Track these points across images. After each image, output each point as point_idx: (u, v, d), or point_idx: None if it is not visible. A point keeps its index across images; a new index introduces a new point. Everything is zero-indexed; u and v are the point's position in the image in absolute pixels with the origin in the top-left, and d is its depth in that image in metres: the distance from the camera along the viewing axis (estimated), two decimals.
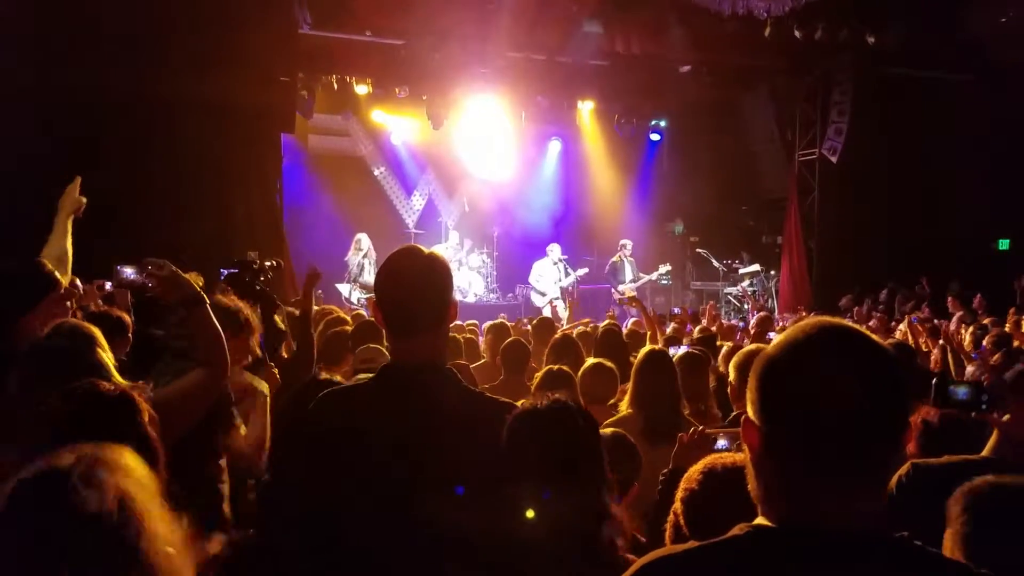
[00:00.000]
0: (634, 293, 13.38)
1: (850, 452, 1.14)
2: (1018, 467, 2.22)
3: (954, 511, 1.66)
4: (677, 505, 2.00)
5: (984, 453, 2.37)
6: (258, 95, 9.04)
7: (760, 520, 1.20)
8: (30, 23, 7.97)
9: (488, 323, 6.78)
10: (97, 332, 2.49)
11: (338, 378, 2.71)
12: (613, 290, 13.41)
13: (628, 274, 13.40)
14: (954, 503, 1.67)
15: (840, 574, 1.13)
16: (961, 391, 2.39)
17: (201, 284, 3.76)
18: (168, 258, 2.58)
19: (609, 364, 4.07)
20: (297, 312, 4.78)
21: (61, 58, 8.03)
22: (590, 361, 4.16)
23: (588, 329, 6.94)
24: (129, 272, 4.00)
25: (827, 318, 1.25)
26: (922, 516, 1.15)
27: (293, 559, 1.99)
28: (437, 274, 2.05)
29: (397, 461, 1.90)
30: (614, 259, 13.50)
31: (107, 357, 2.45)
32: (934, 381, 2.42)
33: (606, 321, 8.14)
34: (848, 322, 1.26)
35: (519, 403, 2.02)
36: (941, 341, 5.76)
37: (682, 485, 2.00)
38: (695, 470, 2.00)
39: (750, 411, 1.22)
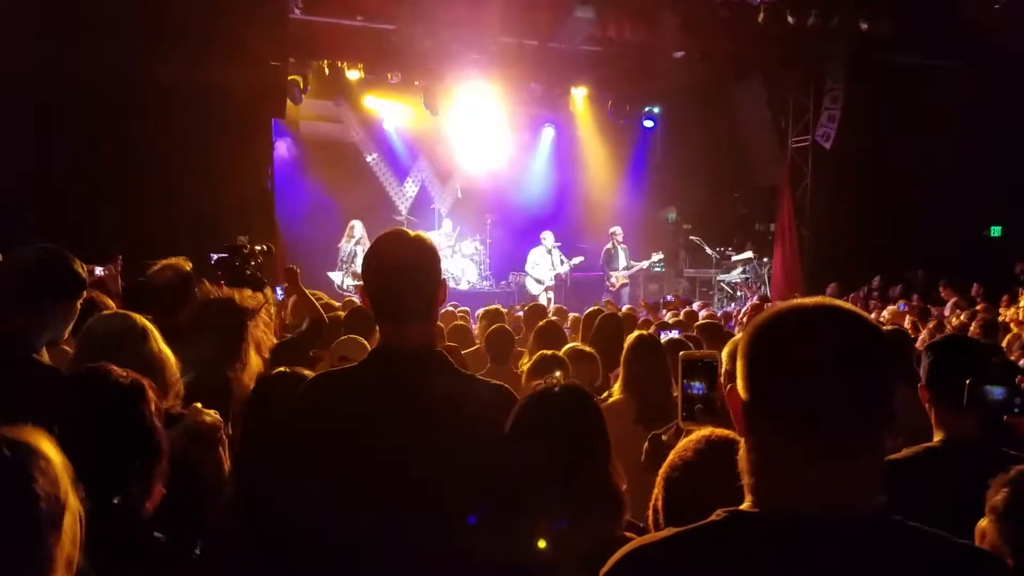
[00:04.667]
0: (626, 281, 13.39)
1: (832, 424, 1.13)
2: (969, 446, 2.30)
3: (999, 495, 1.78)
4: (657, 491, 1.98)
5: (935, 440, 2.38)
6: (249, 80, 8.96)
7: (744, 505, 1.18)
8: (30, 10, 7.92)
9: (482, 309, 6.70)
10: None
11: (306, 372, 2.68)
12: (606, 278, 13.41)
13: (622, 261, 13.39)
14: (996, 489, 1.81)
15: (818, 558, 1.10)
16: (997, 391, 2.30)
17: (190, 268, 3.76)
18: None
19: (589, 349, 4.08)
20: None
21: (51, 45, 7.97)
22: (568, 346, 4.14)
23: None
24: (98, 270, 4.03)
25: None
26: (898, 512, 1.15)
27: (286, 547, 1.97)
28: (425, 257, 2.03)
29: (391, 446, 1.88)
30: (607, 247, 13.47)
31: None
32: (968, 380, 2.28)
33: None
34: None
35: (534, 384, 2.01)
36: (930, 324, 5.78)
37: (662, 471, 1.98)
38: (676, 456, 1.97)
39: (739, 381, 1.21)
